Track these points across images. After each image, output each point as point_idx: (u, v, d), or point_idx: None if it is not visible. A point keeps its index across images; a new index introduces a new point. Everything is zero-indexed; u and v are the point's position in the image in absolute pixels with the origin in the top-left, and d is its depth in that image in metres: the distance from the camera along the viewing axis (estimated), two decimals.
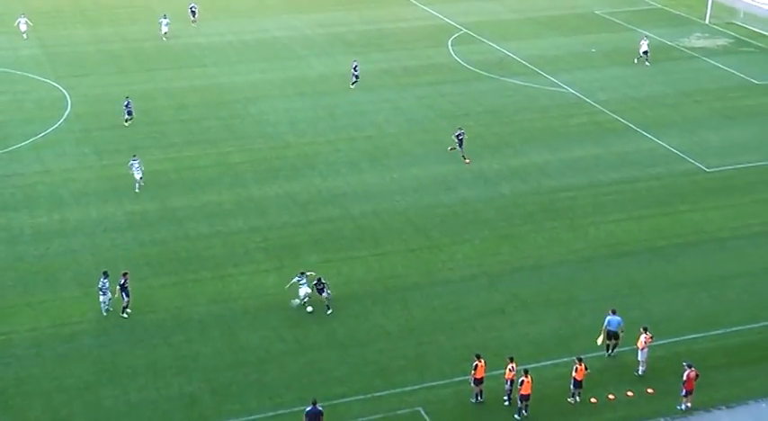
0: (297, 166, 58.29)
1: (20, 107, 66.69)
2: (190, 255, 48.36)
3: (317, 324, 42.79)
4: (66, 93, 69.23)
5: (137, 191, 53.77)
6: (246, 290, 45.55)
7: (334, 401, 37.90)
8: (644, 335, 39.47)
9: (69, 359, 40.34)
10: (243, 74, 73.69)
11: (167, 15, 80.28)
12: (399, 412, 37.63)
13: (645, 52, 75.66)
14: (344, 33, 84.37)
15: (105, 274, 43.14)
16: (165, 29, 79.80)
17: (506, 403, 37.89)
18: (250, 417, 37.26)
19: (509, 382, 37.68)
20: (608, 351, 41.13)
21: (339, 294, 45.12)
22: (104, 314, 42.91)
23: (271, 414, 37.45)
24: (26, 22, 79.79)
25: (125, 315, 42.75)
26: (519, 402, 37.31)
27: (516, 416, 37.39)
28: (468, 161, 57.41)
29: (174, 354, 40.83)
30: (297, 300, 43.51)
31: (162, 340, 41.72)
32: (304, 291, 43.35)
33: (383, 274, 47.06)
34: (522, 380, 36.97)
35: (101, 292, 42.88)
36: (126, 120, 62.82)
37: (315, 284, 43.43)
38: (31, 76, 72.47)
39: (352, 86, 70.32)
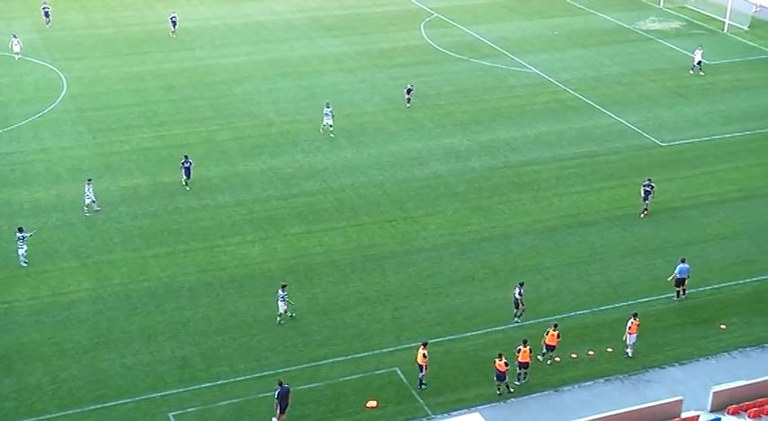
0: (279, 143, 57.92)
1: (19, 88, 65.82)
2: (180, 227, 48.03)
3: (300, 291, 42.62)
4: (61, 75, 68.38)
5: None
6: (234, 259, 45.32)
7: (317, 363, 37.89)
8: (632, 321, 38.34)
9: (68, 325, 40.10)
10: (228, 56, 72.98)
11: (330, 104, 59.72)
12: (377, 372, 37.63)
13: (699, 62, 71.05)
14: (323, 17, 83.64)
15: (20, 230, 44.04)
16: (328, 120, 58.53)
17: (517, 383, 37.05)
18: (238, 378, 37.15)
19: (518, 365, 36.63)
20: (677, 296, 42.31)
21: (320, 263, 45.05)
22: (24, 265, 43.92)
23: (257, 375, 37.35)
24: (18, 43, 70.76)
25: None
26: (518, 369, 36.73)
27: (516, 382, 36.88)
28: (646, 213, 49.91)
29: (167, 320, 40.63)
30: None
31: (155, 307, 41.50)
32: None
33: (361, 244, 46.92)
34: (520, 349, 36.50)
35: (18, 247, 43.95)
36: (185, 182, 52.02)
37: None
38: (28, 59, 71.46)
39: (408, 105, 63.28)
